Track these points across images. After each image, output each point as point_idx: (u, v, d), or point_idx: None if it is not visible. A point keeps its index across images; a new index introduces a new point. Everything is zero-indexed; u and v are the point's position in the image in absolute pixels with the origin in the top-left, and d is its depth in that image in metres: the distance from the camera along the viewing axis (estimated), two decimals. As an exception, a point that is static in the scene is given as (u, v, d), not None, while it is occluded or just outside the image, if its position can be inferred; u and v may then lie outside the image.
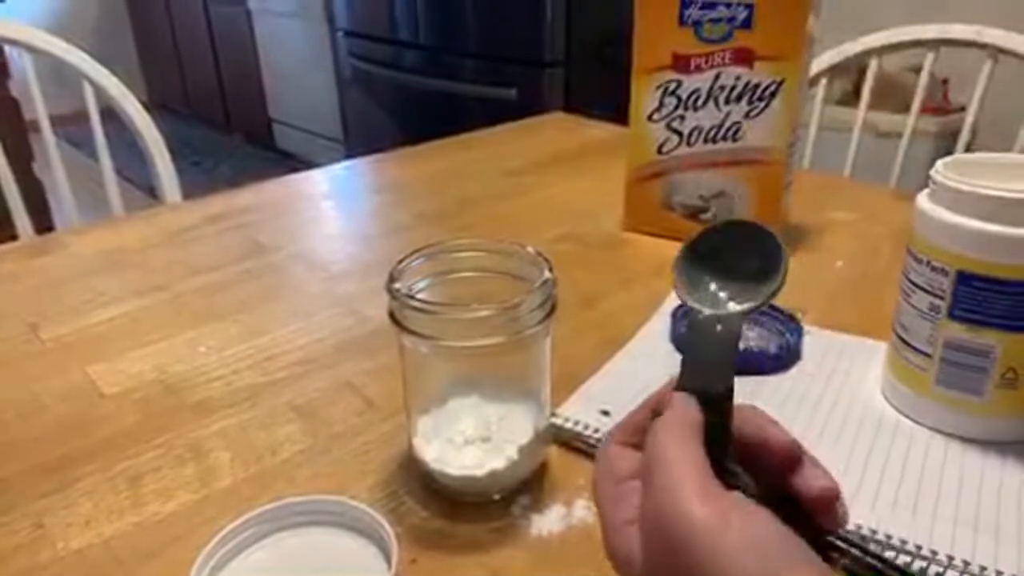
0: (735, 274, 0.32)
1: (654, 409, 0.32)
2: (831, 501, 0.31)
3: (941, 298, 0.44)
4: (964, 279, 0.42)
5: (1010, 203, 0.41)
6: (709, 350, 0.31)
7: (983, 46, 0.96)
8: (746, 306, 0.32)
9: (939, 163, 0.45)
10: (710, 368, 0.31)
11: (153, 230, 0.80)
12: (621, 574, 0.31)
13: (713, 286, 0.32)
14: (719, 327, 0.31)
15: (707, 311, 0.32)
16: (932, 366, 0.45)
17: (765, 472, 0.31)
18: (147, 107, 1.10)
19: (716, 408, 0.30)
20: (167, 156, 1.09)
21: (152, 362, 0.56)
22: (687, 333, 0.32)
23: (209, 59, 3.74)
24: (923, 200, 0.45)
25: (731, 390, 0.30)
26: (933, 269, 0.44)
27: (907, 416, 0.47)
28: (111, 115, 1.09)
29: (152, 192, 1.11)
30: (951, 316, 0.44)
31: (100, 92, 1.06)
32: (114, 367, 0.55)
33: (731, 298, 0.32)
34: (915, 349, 0.46)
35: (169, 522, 0.41)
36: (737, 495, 0.28)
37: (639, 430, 0.32)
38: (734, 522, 0.26)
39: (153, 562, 0.39)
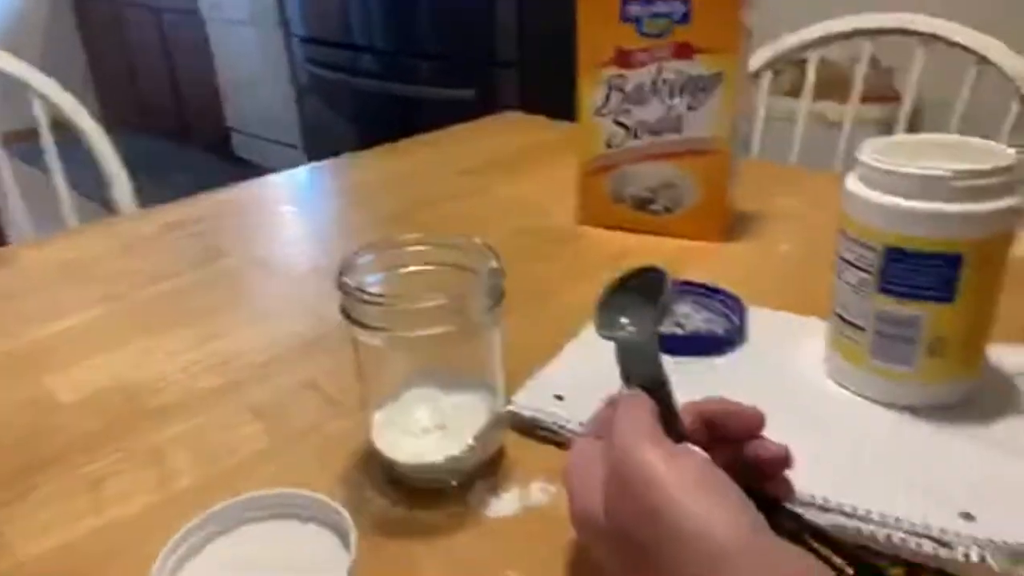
0: (642, 303, 0.39)
1: (612, 405, 0.37)
2: (785, 462, 0.34)
3: (871, 273, 0.46)
4: (891, 254, 0.45)
5: (929, 180, 0.43)
6: (636, 355, 0.37)
7: (913, 33, 1.00)
8: (648, 319, 0.38)
9: (865, 144, 0.47)
10: (642, 365, 0.37)
11: (108, 241, 0.79)
12: (582, 530, 0.34)
13: (625, 319, 0.40)
14: (637, 336, 0.38)
15: (623, 333, 0.39)
16: (866, 339, 0.47)
17: (726, 445, 0.36)
18: (100, 120, 1.09)
19: (658, 393, 0.35)
20: (122, 169, 1.08)
21: (110, 370, 0.56)
22: (616, 354, 0.38)
23: (163, 69, 3.69)
24: (851, 181, 0.47)
25: (664, 376, 0.36)
26: (862, 246, 0.46)
27: (847, 388, 0.49)
28: (64, 130, 1.07)
29: (108, 206, 1.10)
30: (881, 290, 0.46)
31: (51, 107, 1.05)
32: (71, 376, 0.55)
33: (642, 320, 0.39)
34: (851, 324, 0.48)
35: (130, 525, 0.42)
36: (684, 444, 0.32)
37: (603, 423, 0.36)
38: (680, 461, 0.30)
39: (115, 564, 0.39)
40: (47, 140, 1.07)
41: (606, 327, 0.40)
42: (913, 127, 1.07)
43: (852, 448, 0.44)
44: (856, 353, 0.48)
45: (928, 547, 0.37)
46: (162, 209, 0.88)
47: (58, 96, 1.05)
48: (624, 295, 0.41)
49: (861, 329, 0.48)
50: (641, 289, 0.40)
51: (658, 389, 0.36)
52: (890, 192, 0.44)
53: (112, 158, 1.07)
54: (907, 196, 0.44)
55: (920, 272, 0.44)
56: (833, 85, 1.92)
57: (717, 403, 0.36)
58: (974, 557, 0.36)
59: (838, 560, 0.31)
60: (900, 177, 0.44)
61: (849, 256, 0.47)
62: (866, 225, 0.46)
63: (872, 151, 0.46)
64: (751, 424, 0.35)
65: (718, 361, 0.53)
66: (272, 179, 0.98)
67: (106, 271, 0.72)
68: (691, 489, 0.29)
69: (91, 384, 0.54)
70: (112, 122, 3.96)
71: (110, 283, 0.70)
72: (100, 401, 0.52)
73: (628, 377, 0.37)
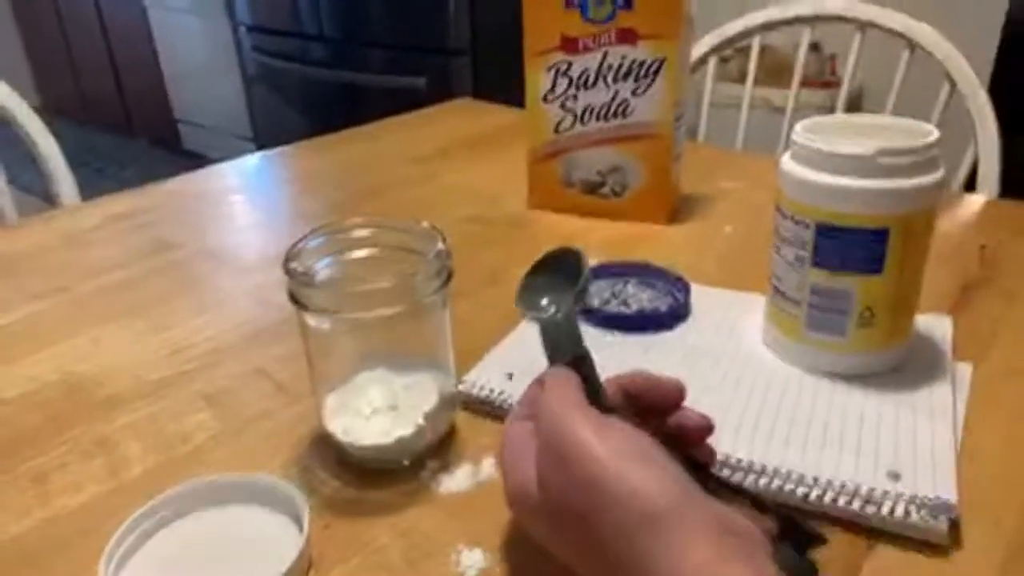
0: (562, 283, 0.41)
1: (540, 384, 0.38)
2: (706, 431, 0.35)
3: (805, 249, 0.48)
4: (822, 230, 0.47)
5: (856, 158, 0.45)
6: (560, 333, 0.39)
7: (851, 20, 1.03)
8: (569, 298, 0.40)
9: (798, 125, 0.49)
10: (565, 343, 0.38)
11: (50, 234, 0.78)
12: (518, 508, 0.34)
13: (546, 300, 0.41)
14: (559, 316, 0.39)
15: (544, 314, 0.40)
16: (802, 312, 0.49)
17: (650, 415, 0.36)
18: (40, 113, 1.06)
19: (582, 367, 0.37)
20: (63, 162, 1.05)
21: (54, 363, 0.55)
22: (540, 333, 0.39)
23: (105, 60, 3.58)
24: (786, 160, 0.49)
25: (586, 351, 0.37)
26: (796, 223, 0.48)
27: (783, 359, 0.51)
28: (2, 123, 1.04)
29: (52, 202, 1.07)
30: (814, 264, 0.48)
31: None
32: (12, 371, 0.54)
33: (561, 299, 0.41)
34: (787, 298, 0.50)
35: (79, 515, 0.41)
36: (612, 417, 0.32)
37: (531, 402, 0.37)
38: (609, 431, 0.31)
39: (64, 554, 0.39)
40: (-17, 133, 1.03)
41: (528, 308, 0.41)
42: (852, 111, 1.11)
43: (787, 415, 0.46)
44: (792, 326, 0.50)
45: (856, 505, 0.39)
46: (106, 200, 0.86)
47: (-7, 87, 1.01)
48: (543, 277, 0.42)
49: (796, 303, 0.50)
50: (560, 270, 0.41)
51: (581, 364, 0.37)
52: (820, 170, 0.46)
53: (54, 152, 1.04)
54: (836, 173, 0.46)
55: (850, 246, 0.46)
56: (779, 72, 1.96)
57: (639, 377, 0.38)
58: (899, 512, 0.38)
59: (768, 523, 0.33)
60: (829, 156, 0.46)
61: (784, 232, 0.49)
62: (799, 202, 0.47)
63: (805, 131, 0.48)
64: (671, 397, 0.37)
65: (660, 336, 0.54)
66: (219, 168, 0.97)
67: (49, 264, 0.71)
68: (623, 456, 0.30)
69: (36, 378, 0.53)
70: (53, 115, 3.84)
71: (53, 276, 0.68)
72: (45, 395, 0.52)
73: (552, 355, 0.38)
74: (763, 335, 0.54)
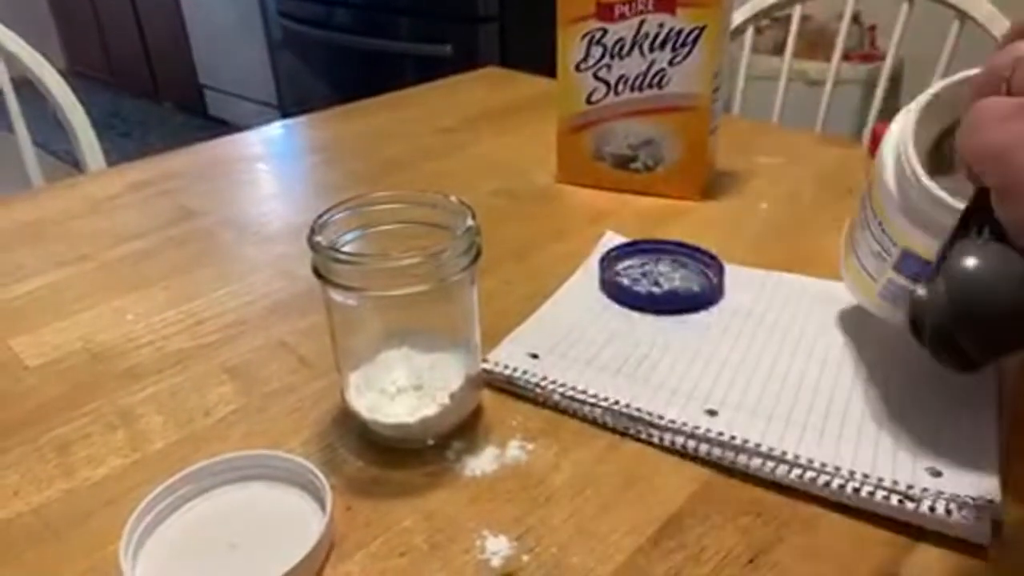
0: None
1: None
2: None
3: (887, 254, 0.44)
4: (908, 255, 0.43)
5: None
6: None
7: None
8: None
9: (908, 129, 0.43)
10: None
11: (75, 200, 0.77)
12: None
13: None
14: None
15: None
16: (876, 284, 0.46)
17: None
18: (66, 76, 1.05)
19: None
20: (89, 126, 1.05)
21: (77, 332, 0.55)
22: None
23: (131, 23, 3.58)
24: (890, 166, 0.43)
25: None
26: (883, 231, 0.44)
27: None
28: (28, 86, 1.04)
29: (78, 166, 1.06)
30: (895, 269, 0.44)
31: (14, 61, 1.01)
32: (38, 339, 0.54)
33: None
34: (864, 270, 0.47)
35: (101, 487, 0.41)
36: None
37: (995, 71, 0.29)
38: None
39: (85, 526, 0.39)
40: (9, 96, 1.03)
41: None
42: (894, 84, 1.07)
43: (823, 405, 0.44)
44: (865, 285, 0.46)
45: (894, 501, 0.37)
46: (130, 167, 0.85)
47: (19, 49, 1.01)
48: None
49: (872, 278, 0.46)
50: None
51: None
52: (925, 206, 0.42)
53: (80, 118, 1.04)
54: (937, 215, 0.40)
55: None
56: (815, 43, 1.90)
57: None
58: (940, 511, 0.36)
59: None
60: (937, 202, 0.39)
61: (871, 224, 0.45)
62: (889, 217, 0.43)
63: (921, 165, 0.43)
64: None
65: (693, 318, 0.53)
66: (244, 136, 0.96)
67: (72, 232, 0.70)
68: None
69: (59, 347, 0.53)
70: (79, 78, 3.86)
71: (77, 243, 0.68)
72: (69, 364, 0.51)
73: None
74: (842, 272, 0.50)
